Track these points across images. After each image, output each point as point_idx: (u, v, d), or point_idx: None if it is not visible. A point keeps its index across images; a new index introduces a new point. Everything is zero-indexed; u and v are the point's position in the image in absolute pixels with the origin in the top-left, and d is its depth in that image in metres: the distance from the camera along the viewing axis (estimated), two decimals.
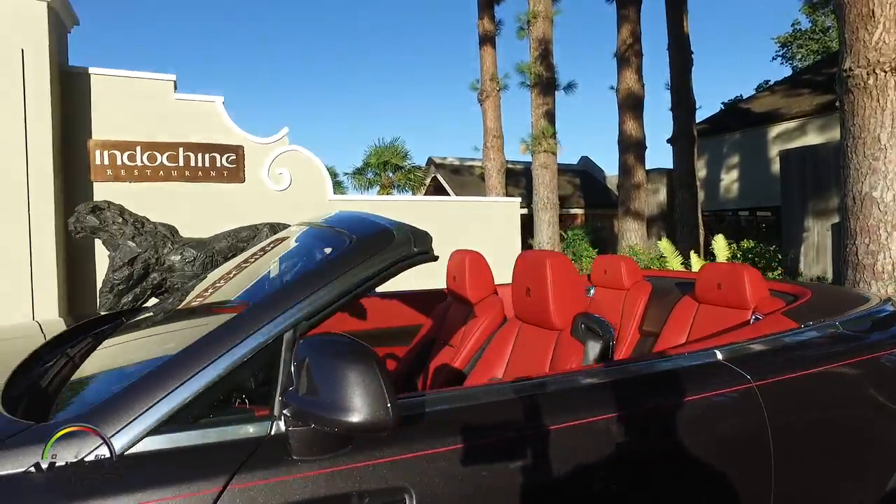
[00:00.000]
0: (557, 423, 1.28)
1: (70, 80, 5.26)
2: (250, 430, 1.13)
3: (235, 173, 5.88)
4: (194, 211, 5.60)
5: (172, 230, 4.67)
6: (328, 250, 1.51)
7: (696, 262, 6.56)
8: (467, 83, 12.52)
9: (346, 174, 19.18)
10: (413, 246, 1.36)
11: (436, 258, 1.44)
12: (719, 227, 13.57)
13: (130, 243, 4.37)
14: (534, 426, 1.27)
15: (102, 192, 5.34)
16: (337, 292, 1.27)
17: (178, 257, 4.45)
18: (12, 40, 4.71)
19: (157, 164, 5.54)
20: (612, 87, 11.65)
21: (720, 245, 6.58)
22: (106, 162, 5.36)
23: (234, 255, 4.55)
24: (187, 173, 5.67)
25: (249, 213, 5.60)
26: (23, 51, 4.74)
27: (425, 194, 17.99)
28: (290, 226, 4.83)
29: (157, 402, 1.09)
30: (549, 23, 10.97)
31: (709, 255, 8.68)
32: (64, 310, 4.98)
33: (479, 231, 6.97)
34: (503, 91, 12.27)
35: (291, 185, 6.16)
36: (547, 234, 10.71)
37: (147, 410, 1.08)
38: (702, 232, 11.06)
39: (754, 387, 1.50)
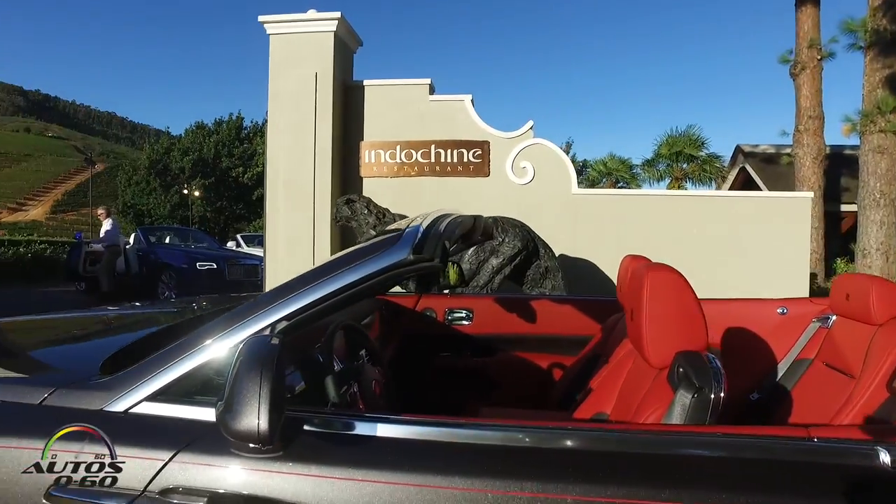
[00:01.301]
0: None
1: (350, 93, 6.23)
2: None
3: (481, 168, 6.12)
4: (442, 203, 6.02)
5: None
6: None
7: None
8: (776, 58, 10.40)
9: (636, 166, 18.24)
10: (411, 253, 1.24)
11: (438, 267, 1.26)
12: None
13: (371, 232, 4.94)
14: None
15: (369, 186, 6.19)
16: (319, 295, 1.26)
17: None
18: (308, 65, 5.81)
19: (412, 160, 6.15)
20: None
21: None
22: (373, 160, 6.19)
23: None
24: (437, 168, 6.15)
25: (492, 206, 5.77)
26: (316, 73, 5.80)
27: (731, 188, 15.82)
28: (513, 220, 4.82)
29: (156, 374, 1.22)
30: None
31: None
32: None
33: (756, 233, 5.80)
34: (826, 60, 9.88)
35: (534, 179, 6.11)
36: (876, 239, 8.27)
37: (148, 380, 1.21)
38: None
39: None
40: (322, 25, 5.76)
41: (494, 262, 4.65)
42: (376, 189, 6.17)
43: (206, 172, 35.93)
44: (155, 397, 1.20)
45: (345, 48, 6.22)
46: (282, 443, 1.07)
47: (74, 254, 10.61)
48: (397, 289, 3.21)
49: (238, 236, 17.74)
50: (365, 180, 6.25)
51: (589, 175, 23.67)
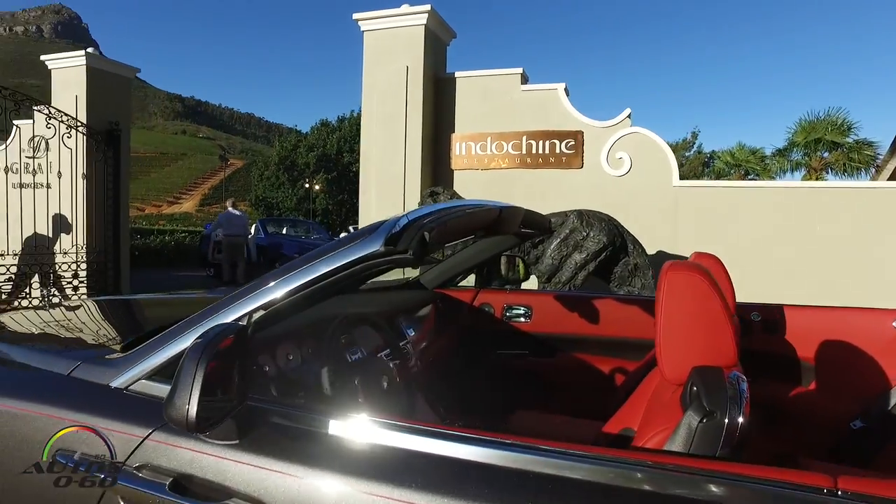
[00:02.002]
0: None
1: (441, 85, 6.24)
2: None
3: (574, 159, 5.87)
4: (533, 196, 5.87)
5: None
6: None
7: None
8: None
9: (768, 157, 16.59)
10: (384, 245, 1.17)
11: (410, 260, 1.19)
12: None
13: None
14: None
15: (460, 179, 6.17)
16: (293, 286, 1.23)
17: None
18: (400, 59, 5.90)
19: (503, 152, 6.04)
20: None
21: None
22: (463, 153, 6.16)
23: (540, 241, 4.60)
24: (528, 160, 5.98)
25: (585, 199, 5.53)
26: (407, 67, 5.88)
27: (891, 179, 13.82)
28: (600, 213, 4.57)
29: (152, 355, 1.28)
30: None
31: None
32: None
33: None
34: None
35: (631, 170, 5.74)
36: None
37: (146, 360, 1.28)
38: None
39: None
40: (413, 19, 5.82)
41: (578, 257, 4.43)
42: (467, 182, 6.14)
43: (328, 167, 38.14)
44: (150, 377, 1.25)
45: (436, 41, 6.23)
46: (239, 431, 1.07)
47: (204, 243, 11.76)
48: (470, 279, 3.15)
49: (350, 227, 18.67)
50: (455, 173, 6.24)
51: (715, 167, 21.98)
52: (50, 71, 7.43)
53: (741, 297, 2.35)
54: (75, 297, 6.96)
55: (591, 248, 4.41)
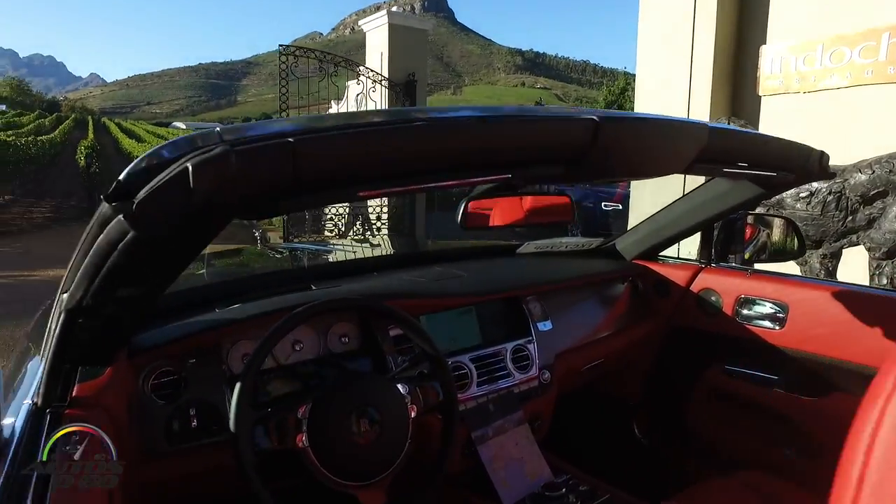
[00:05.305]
0: None
1: None
2: None
3: None
4: (890, 127, 3.95)
5: None
6: None
7: None
8: None
9: None
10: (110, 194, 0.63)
11: (142, 232, 0.61)
12: None
13: None
14: None
15: (769, 107, 4.58)
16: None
17: (791, 191, 3.38)
18: None
19: (843, 63, 4.17)
20: None
21: None
22: (777, 70, 4.49)
23: (877, 194, 3.04)
24: (890, 71, 4.00)
25: None
26: None
27: None
28: None
29: None
30: None
31: None
32: None
33: None
34: None
35: None
36: None
37: None
38: None
39: None
40: None
41: None
42: (780, 109, 4.52)
43: None
44: None
45: None
46: None
47: None
48: (674, 251, 2.10)
49: None
50: (763, 99, 4.63)
51: None
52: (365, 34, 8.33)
53: None
54: (377, 237, 7.93)
55: None
